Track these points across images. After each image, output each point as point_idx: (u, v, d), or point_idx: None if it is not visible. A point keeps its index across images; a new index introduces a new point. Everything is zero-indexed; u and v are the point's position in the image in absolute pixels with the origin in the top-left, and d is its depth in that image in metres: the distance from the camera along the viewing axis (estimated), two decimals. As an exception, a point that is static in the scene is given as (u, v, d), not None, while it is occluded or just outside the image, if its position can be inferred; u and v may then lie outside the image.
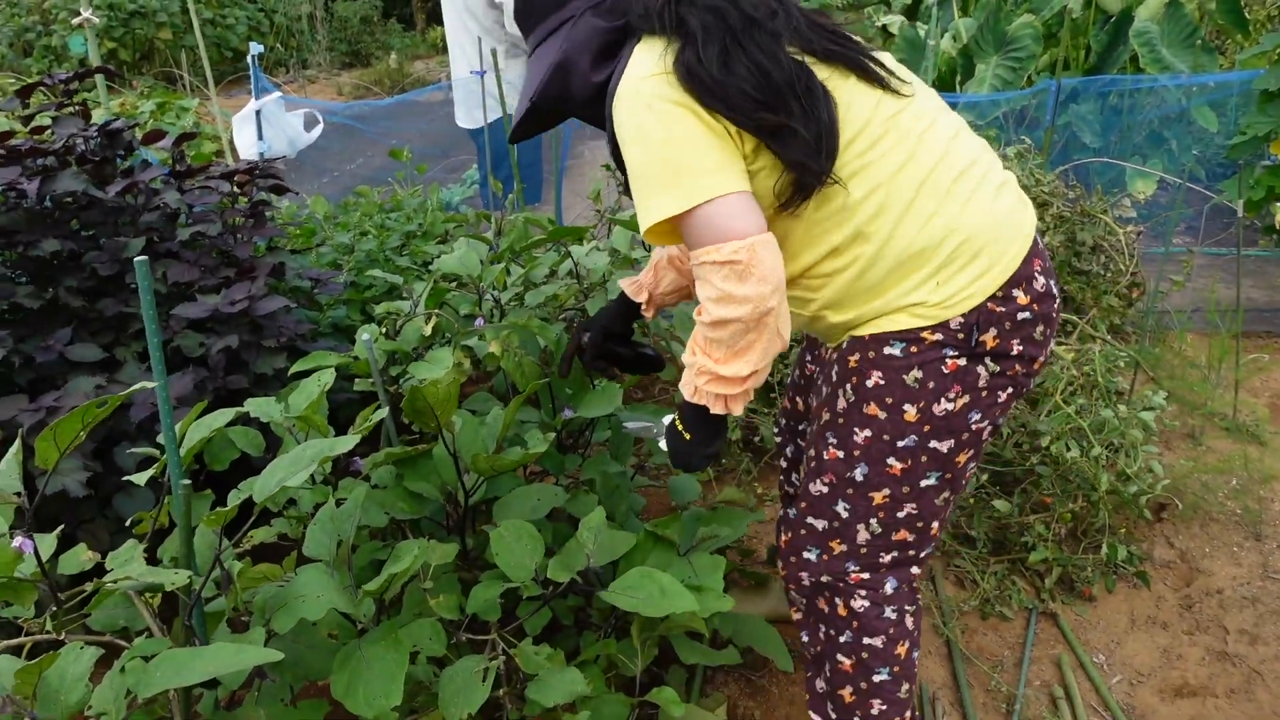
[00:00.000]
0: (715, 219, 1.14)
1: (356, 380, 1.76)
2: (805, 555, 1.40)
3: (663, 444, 1.46)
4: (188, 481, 1.08)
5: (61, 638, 1.08)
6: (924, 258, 1.20)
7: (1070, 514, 2.16)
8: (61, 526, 1.29)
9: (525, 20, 1.31)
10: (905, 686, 1.41)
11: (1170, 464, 2.49)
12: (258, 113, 3.45)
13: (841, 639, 1.39)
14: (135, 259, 0.97)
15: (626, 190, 1.26)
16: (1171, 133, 4.17)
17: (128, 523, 1.38)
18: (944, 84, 4.55)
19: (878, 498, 1.31)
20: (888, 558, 1.35)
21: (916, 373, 1.23)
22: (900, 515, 1.32)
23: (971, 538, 2.22)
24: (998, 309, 1.21)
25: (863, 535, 1.34)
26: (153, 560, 1.33)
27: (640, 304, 1.63)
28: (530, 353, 1.82)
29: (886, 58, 1.28)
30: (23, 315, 1.89)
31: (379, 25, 14.83)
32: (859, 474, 1.31)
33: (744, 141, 1.17)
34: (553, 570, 1.34)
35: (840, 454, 1.32)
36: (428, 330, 1.74)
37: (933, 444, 1.27)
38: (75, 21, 2.72)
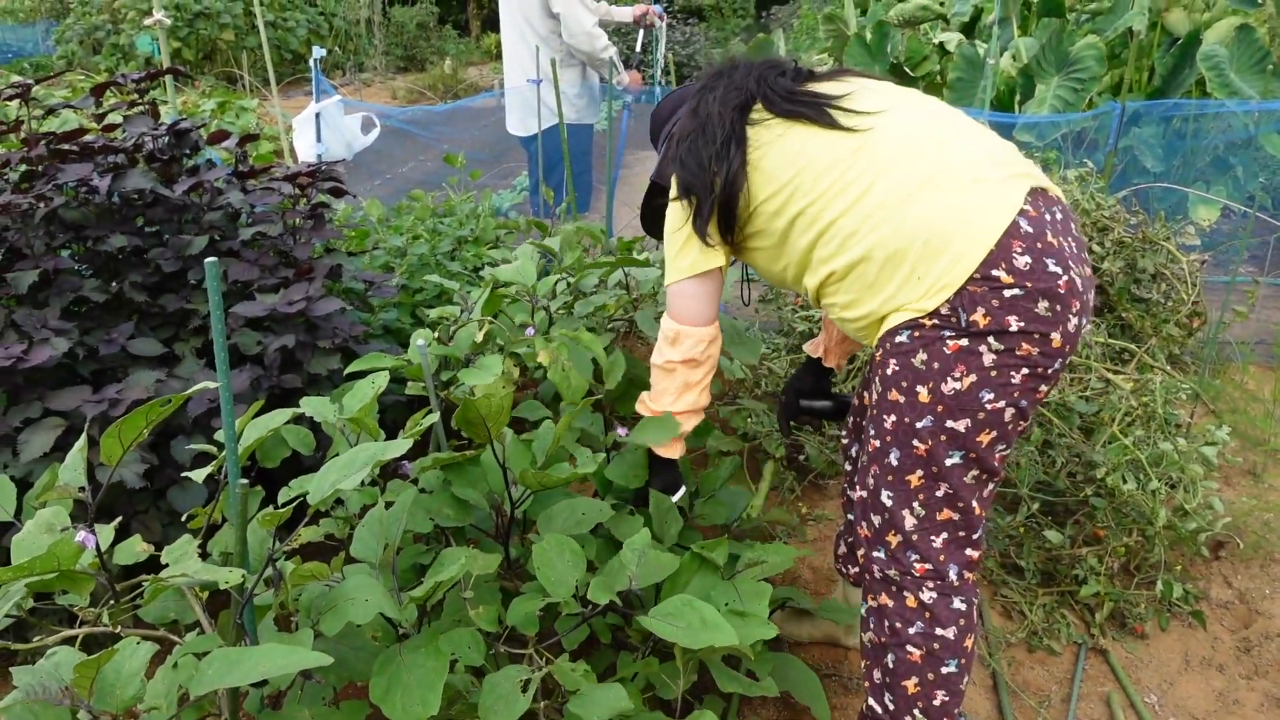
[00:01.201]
0: (673, 299, 1.62)
1: (409, 384, 1.77)
2: (875, 553, 1.47)
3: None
4: (245, 481, 1.10)
5: (118, 630, 1.09)
6: (900, 258, 1.33)
7: (1124, 548, 2.10)
8: (119, 519, 1.31)
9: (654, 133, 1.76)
10: (966, 679, 1.46)
11: (1230, 501, 2.41)
12: (317, 115, 3.51)
13: (912, 630, 1.42)
14: (205, 260, 0.98)
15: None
16: (1238, 159, 4.06)
17: (183, 518, 1.40)
18: (1003, 104, 4.49)
19: (913, 480, 1.39)
20: (939, 540, 1.41)
21: (922, 355, 1.34)
22: (938, 494, 1.39)
23: (1020, 568, 2.17)
24: (979, 289, 1.29)
25: (910, 521, 1.41)
26: (203, 553, 1.35)
27: (821, 359, 1.92)
28: (578, 365, 1.82)
29: (857, 90, 1.48)
30: (88, 308, 1.94)
31: (434, 31, 15.04)
32: (894, 459, 1.41)
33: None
34: (593, 591, 1.33)
35: (877, 443, 1.43)
36: (480, 337, 1.75)
37: (949, 423, 1.35)
38: (148, 22, 2.80)
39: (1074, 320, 1.31)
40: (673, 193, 1.55)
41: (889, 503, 1.42)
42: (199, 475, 1.22)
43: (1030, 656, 1.99)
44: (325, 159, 3.57)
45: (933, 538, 1.40)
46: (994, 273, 1.28)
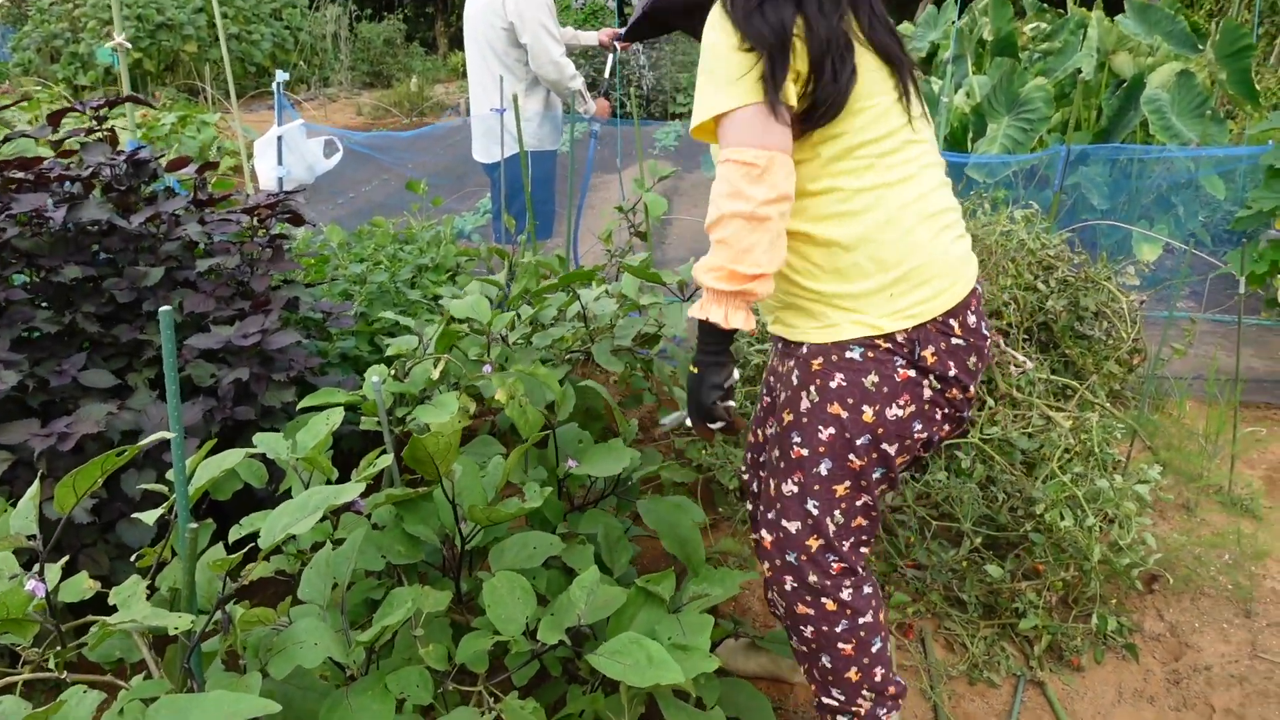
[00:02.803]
0: (749, 124, 1.29)
1: (363, 419, 1.79)
2: (788, 559, 1.52)
3: (688, 422, 1.55)
4: (195, 525, 1.11)
5: (63, 677, 1.10)
6: (887, 265, 1.38)
7: (1062, 582, 2.17)
8: (65, 558, 1.31)
9: None
10: (889, 640, 1.60)
11: (1164, 535, 2.50)
12: (279, 139, 3.51)
13: (839, 628, 1.52)
14: (160, 310, 1.00)
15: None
16: (1179, 198, 4.22)
17: (132, 557, 1.40)
18: (956, 140, 4.61)
19: (839, 490, 1.47)
20: (848, 543, 1.51)
21: (874, 377, 1.40)
22: (858, 504, 1.49)
23: (963, 601, 2.23)
24: (936, 331, 1.40)
25: (831, 527, 1.49)
26: (151, 588, 1.35)
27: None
28: (535, 400, 1.85)
29: (915, 97, 1.43)
30: (38, 338, 1.93)
31: (402, 48, 15.03)
32: (823, 469, 1.46)
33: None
34: (543, 631, 1.36)
35: (805, 451, 1.47)
36: (436, 374, 1.77)
37: (883, 445, 1.44)
38: (108, 46, 2.79)
39: (980, 376, 1.48)
40: (731, 23, 1.31)
41: (814, 511, 1.48)
42: (149, 517, 1.22)
43: (971, 689, 2.04)
44: (287, 182, 3.57)
45: (846, 540, 1.51)
46: (952, 322, 1.41)
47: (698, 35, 1.43)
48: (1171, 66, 4.46)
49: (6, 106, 2.09)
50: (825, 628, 1.52)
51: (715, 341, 1.42)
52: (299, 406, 1.80)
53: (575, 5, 13.21)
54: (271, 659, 1.18)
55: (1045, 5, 7.70)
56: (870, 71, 1.35)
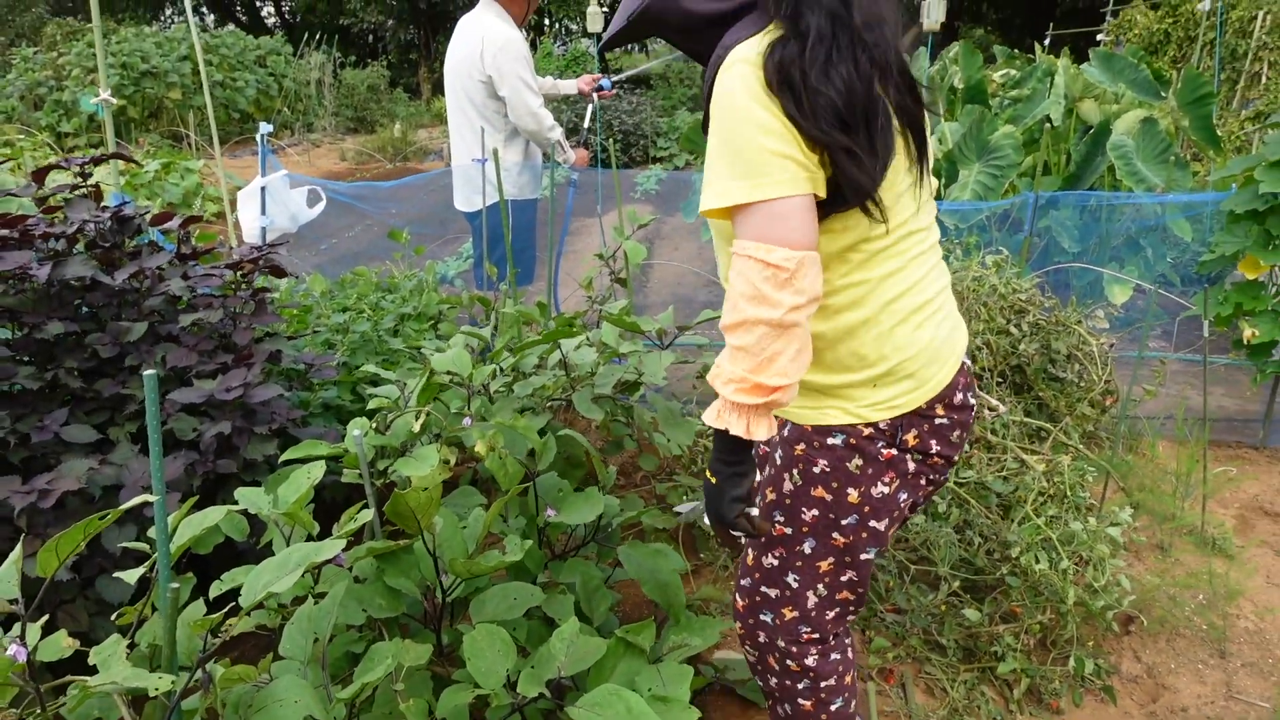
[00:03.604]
0: (776, 220, 1.15)
1: (345, 472, 1.80)
2: (762, 618, 1.55)
3: (705, 520, 1.44)
4: (176, 585, 1.12)
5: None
6: (869, 362, 1.34)
7: (1039, 625, 2.19)
8: (45, 616, 1.32)
9: None
10: (854, 703, 1.62)
11: (1139, 576, 2.53)
12: (263, 189, 3.55)
13: (800, 686, 1.57)
14: (145, 373, 1.02)
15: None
16: (1147, 241, 4.32)
17: (112, 616, 1.40)
18: (929, 185, 4.72)
19: (823, 566, 1.47)
20: (831, 614, 1.52)
21: (858, 460, 1.39)
22: (843, 579, 1.49)
23: (942, 645, 2.25)
24: (919, 417, 1.38)
25: (811, 600, 1.50)
26: (131, 644, 1.35)
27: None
28: (515, 452, 1.87)
29: (928, 175, 1.34)
30: (19, 393, 1.94)
31: (385, 94, 15.20)
32: (807, 548, 1.47)
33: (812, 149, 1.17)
34: (523, 684, 1.37)
35: (789, 530, 1.47)
36: (417, 427, 1.79)
37: (871, 522, 1.43)
38: (93, 102, 2.83)
39: (966, 441, 1.54)
40: (768, 85, 1.15)
41: (794, 584, 1.49)
42: (131, 576, 1.23)
43: (951, 734, 2.05)
44: (270, 232, 3.60)
45: (828, 612, 1.52)
46: (937, 406, 1.38)
47: (691, 55, 1.35)
48: (1136, 113, 4.59)
49: (-8, 164, 2.11)
50: (788, 683, 1.57)
51: (734, 452, 1.28)
52: (281, 459, 1.81)
53: (556, 53, 13.43)
54: (252, 717, 1.19)
55: (1014, 52, 7.92)
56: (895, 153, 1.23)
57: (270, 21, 25.84)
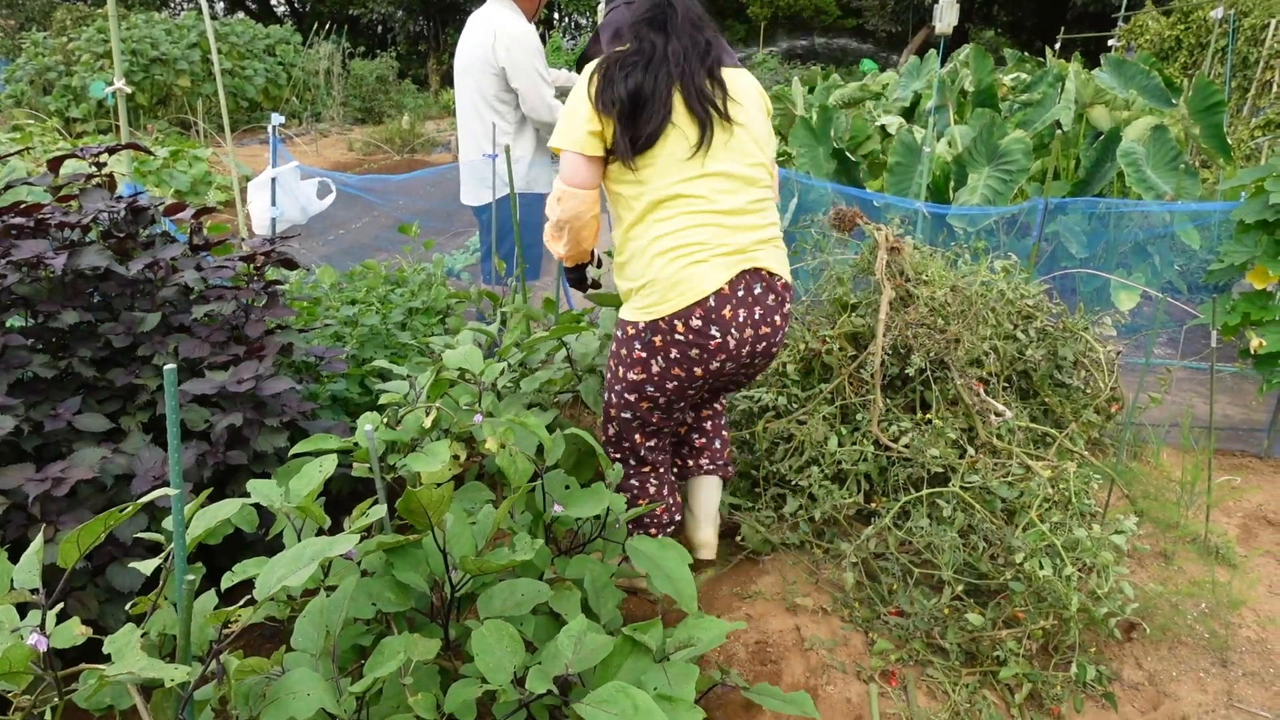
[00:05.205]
0: (566, 164, 2.07)
1: (355, 466, 1.81)
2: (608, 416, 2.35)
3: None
4: (192, 577, 1.13)
5: (58, 727, 1.11)
6: (634, 278, 2.09)
7: (1042, 631, 2.20)
8: (60, 605, 1.33)
9: None
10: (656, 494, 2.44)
11: (1142, 584, 2.54)
12: (273, 180, 3.56)
13: (615, 457, 2.42)
14: (164, 368, 1.03)
15: None
16: (1155, 248, 4.32)
17: (126, 605, 1.41)
18: (939, 188, 4.71)
19: (614, 399, 2.27)
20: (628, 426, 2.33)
21: (627, 344, 2.15)
22: (625, 408, 2.26)
23: (944, 649, 2.26)
24: (663, 326, 2.04)
25: (612, 413, 2.29)
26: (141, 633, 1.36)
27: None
28: (524, 448, 1.88)
29: (732, 121, 2.10)
30: (32, 381, 1.95)
31: (394, 85, 15.19)
32: (614, 388, 2.27)
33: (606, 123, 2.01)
34: (531, 680, 1.38)
35: (607, 373, 2.32)
36: (428, 423, 1.80)
37: (630, 382, 2.17)
38: (106, 91, 2.84)
39: (716, 364, 2.07)
40: (586, 90, 2.01)
41: (610, 400, 2.31)
42: (147, 568, 1.24)
43: (952, 737, 2.06)
44: (280, 223, 3.61)
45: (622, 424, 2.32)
46: (675, 322, 2.02)
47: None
48: (1146, 120, 4.59)
49: (5, 156, 2.13)
50: (615, 455, 2.37)
51: (568, 266, 2.45)
52: (292, 452, 1.82)
53: (565, 47, 13.42)
54: (264, 709, 1.20)
55: (1024, 56, 7.91)
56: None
57: (280, 10, 25.83)
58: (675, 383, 2.11)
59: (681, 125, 2.01)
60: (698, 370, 2.08)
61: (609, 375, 2.21)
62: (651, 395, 2.15)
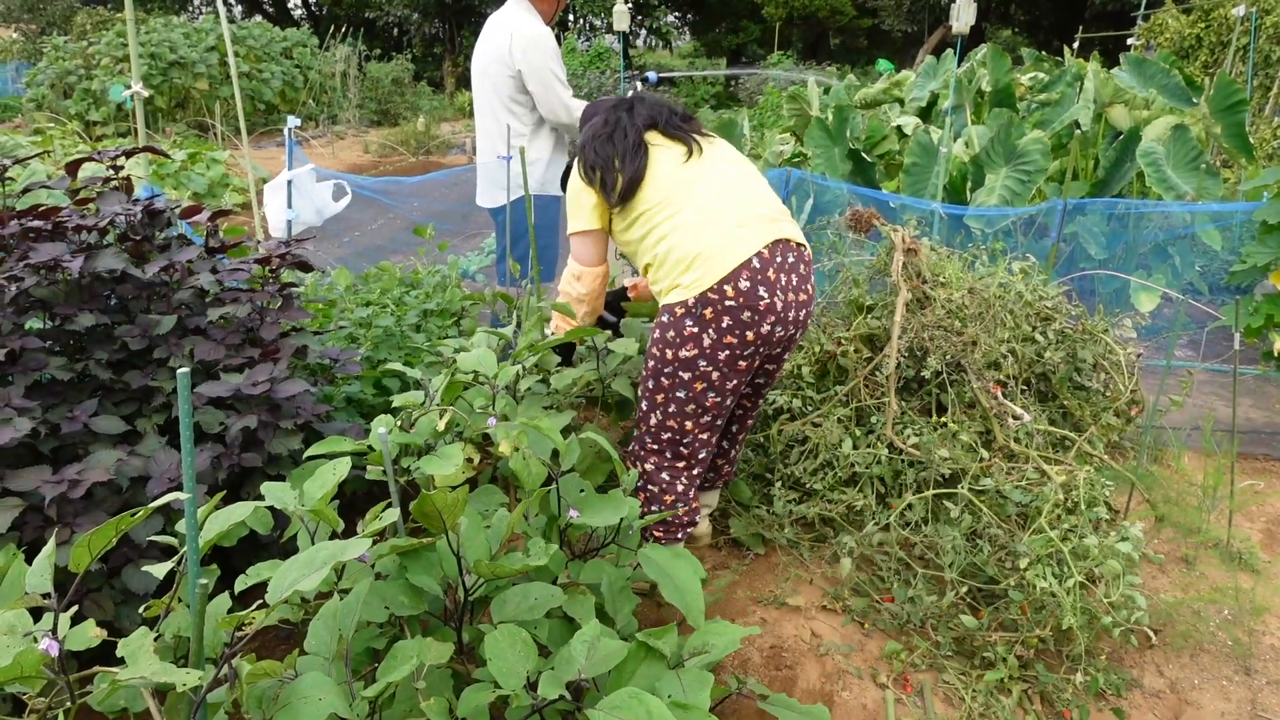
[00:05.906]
0: (581, 246, 2.35)
1: (369, 469, 1.81)
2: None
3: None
4: (205, 580, 1.13)
5: (71, 730, 1.11)
6: (677, 262, 2.12)
7: (1038, 640, 2.17)
8: (75, 607, 1.33)
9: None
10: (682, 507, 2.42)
11: (1163, 590, 2.51)
12: (289, 182, 3.57)
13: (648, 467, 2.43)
14: (178, 371, 1.03)
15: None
16: (1176, 249, 4.27)
17: (140, 608, 1.41)
18: (956, 189, 4.68)
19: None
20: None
21: (671, 329, 2.18)
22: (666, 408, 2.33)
23: (960, 654, 2.23)
24: (712, 296, 2.07)
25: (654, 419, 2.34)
26: (155, 635, 1.36)
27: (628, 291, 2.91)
28: (538, 452, 1.87)
29: (718, 146, 2.31)
30: (48, 383, 1.96)
31: (409, 87, 15.25)
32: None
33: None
34: (544, 686, 1.37)
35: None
36: (441, 426, 1.80)
37: (680, 374, 2.18)
38: (125, 94, 2.85)
39: (767, 327, 2.10)
40: (578, 168, 2.27)
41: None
42: (160, 571, 1.24)
43: (969, 744, 2.04)
44: (296, 225, 3.63)
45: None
46: (725, 288, 2.06)
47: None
48: (1167, 120, 4.54)
49: (25, 159, 2.14)
50: (648, 467, 2.39)
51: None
52: (306, 454, 1.82)
53: (580, 48, 13.43)
54: (277, 713, 1.20)
55: (1043, 55, 7.85)
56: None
57: (297, 14, 25.99)
58: (727, 352, 2.12)
59: (664, 146, 2.22)
60: (749, 335, 2.10)
61: (652, 364, 2.21)
62: (704, 371, 2.15)
